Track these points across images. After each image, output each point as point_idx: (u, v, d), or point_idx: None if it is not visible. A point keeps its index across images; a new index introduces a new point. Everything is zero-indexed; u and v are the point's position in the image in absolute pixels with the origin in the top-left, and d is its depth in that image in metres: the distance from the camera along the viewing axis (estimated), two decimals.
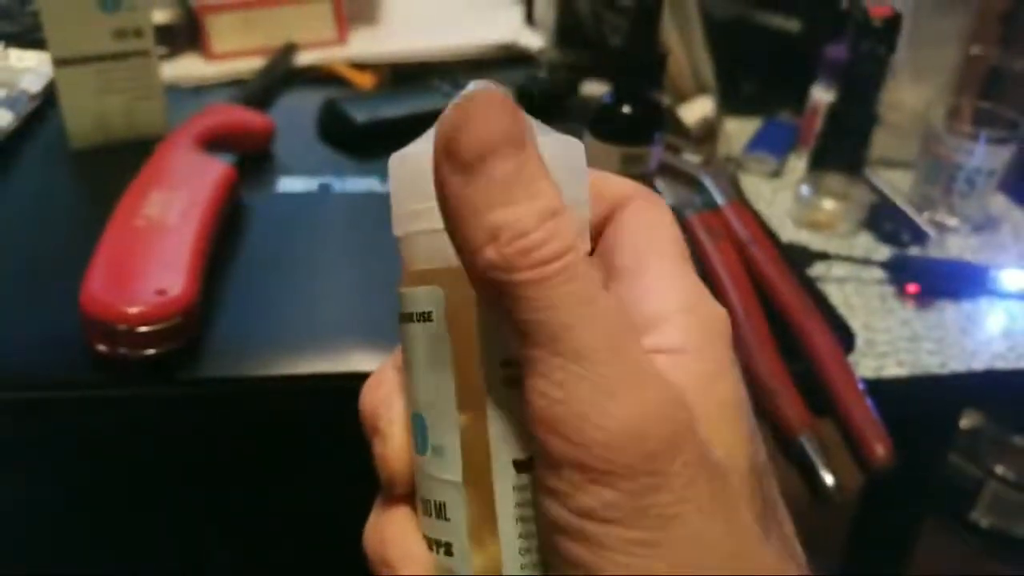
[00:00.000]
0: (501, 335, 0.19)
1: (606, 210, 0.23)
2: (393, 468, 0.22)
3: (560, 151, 0.21)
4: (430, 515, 0.21)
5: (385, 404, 0.22)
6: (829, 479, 0.44)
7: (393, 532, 0.22)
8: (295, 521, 0.44)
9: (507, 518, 0.20)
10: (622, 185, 0.23)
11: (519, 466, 0.20)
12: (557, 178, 0.20)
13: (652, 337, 0.20)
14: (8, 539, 0.43)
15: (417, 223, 0.21)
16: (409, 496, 0.22)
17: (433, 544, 0.21)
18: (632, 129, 0.51)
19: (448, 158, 0.19)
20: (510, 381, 0.19)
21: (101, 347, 0.38)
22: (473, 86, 0.19)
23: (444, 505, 0.20)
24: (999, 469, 1.21)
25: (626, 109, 0.50)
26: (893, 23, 0.67)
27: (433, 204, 0.19)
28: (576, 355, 0.18)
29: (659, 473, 0.18)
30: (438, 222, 0.19)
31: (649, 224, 0.22)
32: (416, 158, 0.21)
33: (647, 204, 0.23)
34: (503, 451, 0.20)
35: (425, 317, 0.20)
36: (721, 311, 0.21)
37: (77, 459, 0.41)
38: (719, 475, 0.18)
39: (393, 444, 0.22)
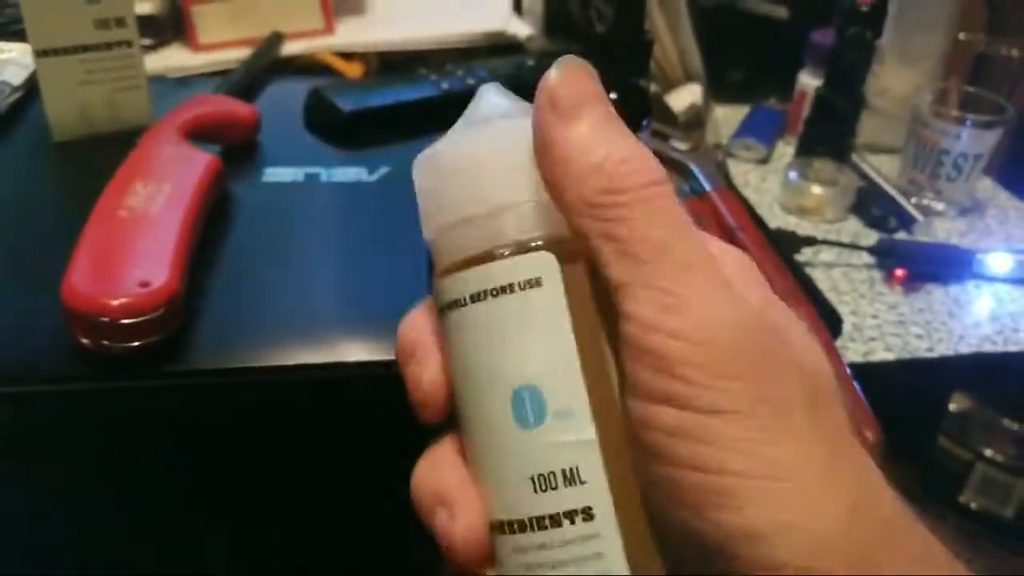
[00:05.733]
0: (601, 270, 0.20)
1: None
2: (427, 390, 0.23)
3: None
4: (547, 488, 0.20)
5: (423, 341, 0.24)
6: None
7: (450, 471, 0.23)
8: (286, 512, 0.44)
9: None
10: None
11: None
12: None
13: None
14: None
15: (469, 209, 0.22)
16: (444, 431, 0.23)
17: (561, 518, 0.20)
18: (619, 116, 0.50)
19: (553, 108, 0.22)
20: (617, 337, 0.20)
21: (84, 340, 0.38)
22: (564, 58, 0.22)
23: (576, 469, 0.20)
24: (989, 452, 1.21)
25: (612, 96, 0.50)
26: (879, 8, 0.67)
27: (488, 194, 0.22)
28: (686, 265, 0.20)
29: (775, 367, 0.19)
30: (508, 196, 0.21)
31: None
32: (455, 152, 0.22)
33: None
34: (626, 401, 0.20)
35: (532, 283, 0.21)
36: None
37: (61, 453, 0.41)
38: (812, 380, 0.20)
39: (430, 369, 0.23)
